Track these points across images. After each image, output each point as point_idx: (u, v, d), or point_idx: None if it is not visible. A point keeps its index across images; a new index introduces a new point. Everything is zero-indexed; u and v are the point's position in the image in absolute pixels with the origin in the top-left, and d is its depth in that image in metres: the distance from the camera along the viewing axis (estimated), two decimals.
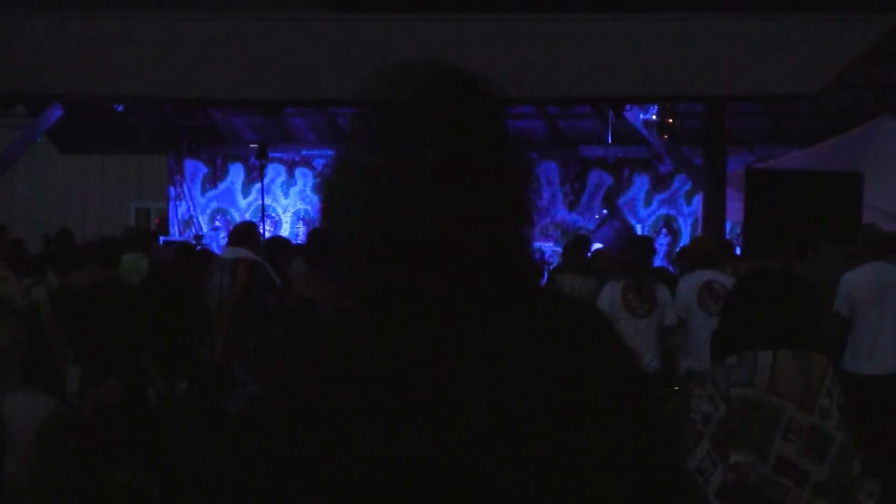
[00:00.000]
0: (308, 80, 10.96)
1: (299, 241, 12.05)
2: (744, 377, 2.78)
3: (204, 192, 16.69)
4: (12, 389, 3.56)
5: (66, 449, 3.51)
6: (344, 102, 11.43)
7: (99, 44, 11.56)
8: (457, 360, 1.25)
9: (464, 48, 9.86)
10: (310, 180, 16.14)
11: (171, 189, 16.69)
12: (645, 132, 12.75)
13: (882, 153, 11.24)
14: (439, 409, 1.23)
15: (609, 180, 15.48)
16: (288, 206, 16.32)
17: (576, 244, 10.18)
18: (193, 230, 16.32)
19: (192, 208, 16.62)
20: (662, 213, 15.43)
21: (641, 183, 15.46)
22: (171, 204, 16.66)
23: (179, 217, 16.63)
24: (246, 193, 16.52)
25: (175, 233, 16.05)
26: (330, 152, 1.40)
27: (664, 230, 15.37)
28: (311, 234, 8.62)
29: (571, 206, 15.67)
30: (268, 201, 15.66)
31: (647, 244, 8.22)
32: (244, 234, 7.27)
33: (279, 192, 16.40)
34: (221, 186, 16.66)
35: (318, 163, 15.95)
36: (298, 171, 16.36)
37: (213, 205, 16.68)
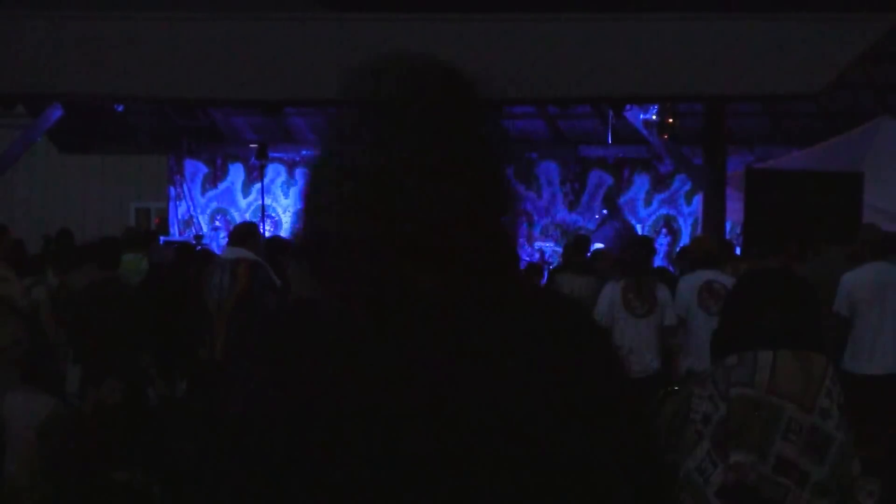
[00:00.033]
0: (308, 80, 10.95)
1: None
2: (744, 377, 2.78)
3: (204, 192, 16.69)
4: (12, 389, 3.55)
5: (66, 449, 3.50)
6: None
7: (99, 44, 11.56)
8: (456, 359, 1.26)
9: (464, 48, 9.84)
10: None
11: (171, 189, 16.70)
12: (645, 132, 12.75)
13: (882, 153, 11.25)
14: (438, 407, 1.23)
15: (609, 180, 15.48)
16: (288, 206, 16.32)
17: (576, 244, 10.18)
18: (193, 230, 16.32)
19: (192, 208, 16.63)
20: (662, 213, 15.44)
21: (641, 183, 15.46)
22: (171, 204, 16.66)
23: (179, 217, 16.63)
24: (246, 193, 16.52)
25: (175, 233, 16.06)
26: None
27: (664, 230, 15.37)
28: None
29: (571, 206, 15.67)
30: (268, 201, 15.66)
31: (647, 244, 8.22)
32: (244, 234, 7.27)
33: (279, 192, 16.40)
34: (221, 186, 16.66)
35: None
36: (298, 172, 16.36)
37: (213, 205, 16.68)
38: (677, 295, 7.58)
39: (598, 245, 12.31)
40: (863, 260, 7.41)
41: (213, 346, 6.78)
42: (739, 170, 12.18)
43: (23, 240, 9.74)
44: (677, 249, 12.78)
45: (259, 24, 11.83)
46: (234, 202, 16.61)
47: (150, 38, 11.61)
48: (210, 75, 11.30)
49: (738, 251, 10.55)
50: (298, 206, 1.35)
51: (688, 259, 8.50)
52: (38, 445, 3.44)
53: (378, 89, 1.32)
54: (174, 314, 7.41)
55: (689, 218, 15.14)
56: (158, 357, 7.04)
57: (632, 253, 7.85)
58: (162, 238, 13.05)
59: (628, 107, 12.21)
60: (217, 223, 16.56)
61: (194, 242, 14.13)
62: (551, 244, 15.03)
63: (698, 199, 13.07)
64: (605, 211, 14.50)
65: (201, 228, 16.41)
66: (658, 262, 12.47)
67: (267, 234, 14.10)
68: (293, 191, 16.38)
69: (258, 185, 15.28)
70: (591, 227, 14.72)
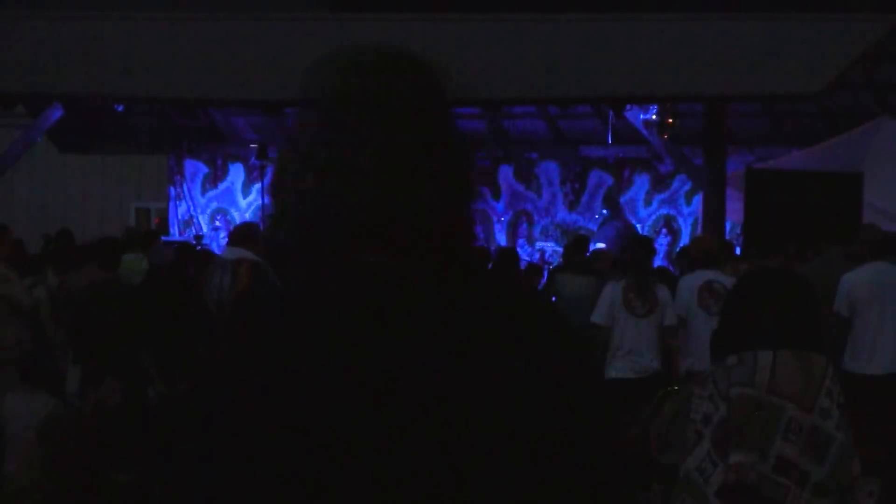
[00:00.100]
0: None
1: None
2: (744, 377, 2.78)
3: (204, 192, 16.69)
4: (12, 389, 3.56)
5: (66, 449, 3.51)
6: None
7: (99, 44, 11.57)
8: (399, 331, 1.27)
9: (464, 48, 9.86)
10: None
11: (172, 189, 16.69)
12: (645, 132, 12.75)
13: (882, 153, 11.25)
14: (380, 380, 1.25)
15: (609, 180, 15.47)
16: None
17: (576, 244, 10.19)
18: (193, 230, 16.31)
19: (192, 208, 16.62)
20: (662, 213, 15.43)
21: (641, 183, 15.45)
22: (172, 204, 16.65)
23: (179, 217, 16.62)
24: (246, 193, 16.51)
25: (175, 233, 16.05)
26: None
27: (664, 230, 15.36)
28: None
29: (571, 206, 15.66)
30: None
31: (646, 244, 8.22)
32: (245, 234, 7.27)
33: None
34: (221, 186, 16.65)
35: None
36: None
37: (213, 205, 16.67)
38: (677, 295, 7.58)
39: (601, 245, 12.31)
40: (863, 260, 7.41)
41: None
42: (739, 170, 12.18)
43: (23, 240, 9.73)
44: (677, 249, 12.78)
45: (259, 24, 11.84)
46: (234, 202, 16.61)
47: (150, 38, 11.62)
48: (210, 75, 11.31)
49: (738, 251, 10.55)
50: (265, 199, 1.42)
51: (688, 259, 8.50)
52: (38, 445, 3.44)
53: (338, 84, 1.35)
54: (174, 314, 7.41)
55: (689, 218, 15.13)
56: (158, 357, 7.04)
57: (632, 253, 7.85)
58: (162, 238, 13.04)
59: (628, 107, 12.21)
60: (217, 223, 16.56)
61: (194, 242, 14.12)
62: (551, 244, 15.03)
63: (698, 199, 13.06)
64: (605, 211, 14.50)
65: (201, 228, 16.40)
66: (658, 262, 12.46)
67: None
68: None
69: (258, 185, 15.27)
70: (592, 226, 14.71)
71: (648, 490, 2.98)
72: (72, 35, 11.64)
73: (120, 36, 11.67)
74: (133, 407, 6.09)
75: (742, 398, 2.76)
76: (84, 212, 17.05)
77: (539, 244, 15.27)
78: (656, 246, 12.83)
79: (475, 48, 10.43)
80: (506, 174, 15.78)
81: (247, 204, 16.45)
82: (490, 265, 9.58)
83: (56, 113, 12.81)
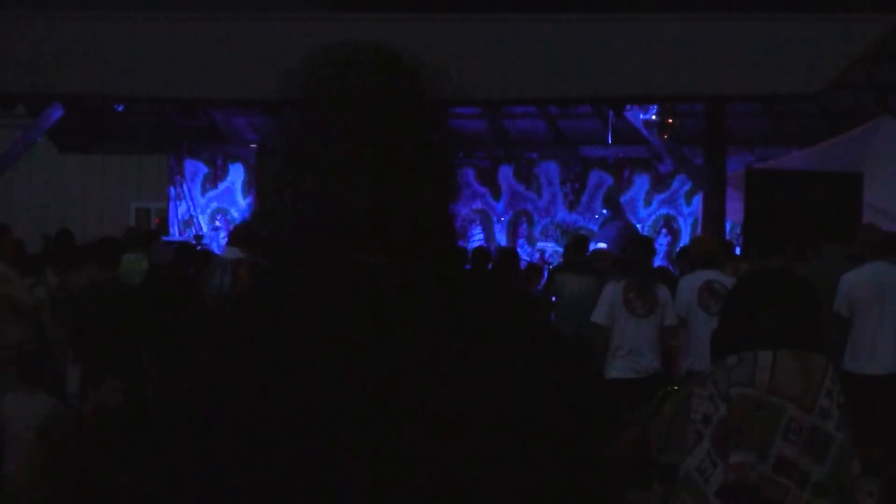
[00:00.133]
0: None
1: None
2: (744, 377, 2.78)
3: (204, 192, 16.69)
4: (12, 389, 3.56)
5: (66, 449, 3.51)
6: None
7: (99, 44, 11.57)
8: (398, 331, 1.28)
9: (464, 48, 9.86)
10: None
11: (172, 189, 16.69)
12: (645, 132, 12.75)
13: (882, 153, 11.25)
14: (379, 380, 1.25)
15: (609, 180, 15.47)
16: None
17: (576, 244, 10.18)
18: (193, 230, 16.31)
19: (192, 208, 16.62)
20: (662, 213, 15.43)
21: (641, 183, 15.45)
22: (172, 204, 16.66)
23: (179, 217, 16.62)
24: (246, 193, 16.51)
25: (175, 233, 16.05)
26: None
27: (664, 230, 15.36)
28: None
29: (571, 206, 15.66)
30: None
31: (647, 244, 8.22)
32: (245, 234, 7.28)
33: None
34: (221, 186, 16.65)
35: None
36: None
37: (214, 205, 16.67)
38: (677, 295, 7.59)
39: (602, 245, 12.32)
40: (863, 260, 7.41)
41: None
42: (739, 170, 12.18)
43: (23, 240, 9.72)
44: (677, 249, 12.78)
45: (259, 24, 11.83)
46: (234, 202, 16.60)
47: (150, 38, 11.61)
48: (210, 75, 11.31)
49: (738, 251, 10.55)
50: (251, 198, 1.42)
51: (688, 259, 8.50)
52: (38, 445, 3.44)
53: (323, 82, 1.38)
54: (174, 314, 7.40)
55: (689, 218, 15.14)
56: (158, 357, 7.04)
57: (632, 253, 7.85)
58: (162, 238, 13.04)
59: (628, 107, 12.21)
60: (217, 223, 16.55)
61: (194, 242, 14.12)
62: (551, 244, 15.03)
63: (698, 199, 13.06)
64: (605, 211, 14.51)
65: (201, 228, 16.40)
66: (658, 262, 12.46)
67: None
68: None
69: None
70: (592, 226, 14.72)
71: (648, 490, 2.98)
72: (72, 35, 11.64)
73: (120, 36, 11.67)
74: (133, 407, 6.09)
75: (742, 398, 2.76)
76: (84, 212, 17.05)
77: (539, 244, 15.27)
78: (656, 246, 12.84)
79: (475, 48, 10.43)
80: (506, 174, 15.78)
81: (247, 204, 16.44)
82: (490, 265, 9.59)
83: (56, 113, 12.81)
